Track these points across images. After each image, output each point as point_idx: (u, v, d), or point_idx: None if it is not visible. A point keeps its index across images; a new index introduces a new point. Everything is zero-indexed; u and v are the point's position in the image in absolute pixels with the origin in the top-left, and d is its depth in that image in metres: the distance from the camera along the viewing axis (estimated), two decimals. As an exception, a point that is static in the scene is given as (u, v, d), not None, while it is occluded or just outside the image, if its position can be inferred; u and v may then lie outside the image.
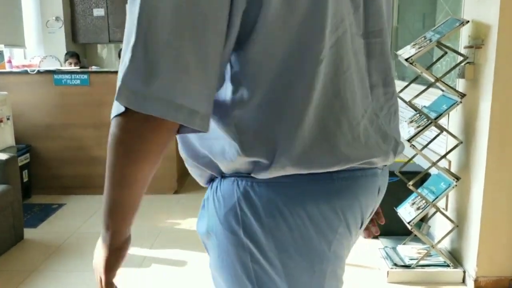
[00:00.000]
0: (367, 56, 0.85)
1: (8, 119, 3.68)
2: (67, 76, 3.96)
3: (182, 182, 4.39)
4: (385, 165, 0.92)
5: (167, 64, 0.65)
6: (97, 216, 3.58)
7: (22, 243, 3.07)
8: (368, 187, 0.86)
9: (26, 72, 3.97)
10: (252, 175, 0.77)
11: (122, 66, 0.68)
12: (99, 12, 5.81)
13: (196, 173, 0.91)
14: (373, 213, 0.96)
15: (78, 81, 3.96)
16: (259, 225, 0.78)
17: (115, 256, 0.81)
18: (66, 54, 5.33)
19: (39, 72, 3.98)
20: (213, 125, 0.76)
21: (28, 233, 3.19)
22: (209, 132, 0.72)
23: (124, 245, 0.82)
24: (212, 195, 0.84)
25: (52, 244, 3.06)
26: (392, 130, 0.91)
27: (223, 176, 0.83)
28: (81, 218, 3.51)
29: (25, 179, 3.89)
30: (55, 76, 3.95)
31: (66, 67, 4.93)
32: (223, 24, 0.67)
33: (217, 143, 0.78)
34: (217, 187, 0.83)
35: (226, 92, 0.75)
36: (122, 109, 0.68)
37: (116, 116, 0.69)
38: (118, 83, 0.68)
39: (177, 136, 0.83)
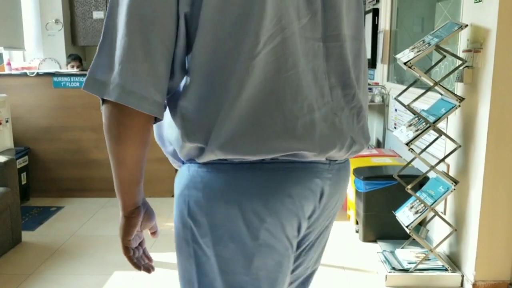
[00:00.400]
0: (325, 58, 0.92)
1: (7, 121, 3.68)
2: (66, 79, 3.96)
3: (181, 185, 4.39)
4: (335, 161, 0.96)
5: (121, 57, 0.80)
6: (96, 218, 3.57)
7: (20, 246, 3.06)
8: (300, 180, 0.89)
9: (25, 75, 3.97)
10: (196, 160, 0.88)
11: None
12: (98, 14, 5.82)
13: (174, 163, 1.02)
14: (333, 207, 1.01)
15: (77, 84, 3.96)
16: (198, 208, 0.88)
17: (126, 223, 0.96)
18: (69, 57, 5.32)
19: (38, 74, 3.98)
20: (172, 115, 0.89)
21: (26, 236, 3.19)
22: (172, 123, 0.86)
23: (133, 215, 0.95)
24: (175, 180, 0.96)
25: (50, 247, 3.05)
26: (353, 129, 0.97)
27: (183, 163, 0.94)
28: (79, 221, 3.51)
29: (24, 182, 3.89)
30: (54, 79, 3.95)
31: (68, 70, 4.94)
32: (168, 24, 0.80)
33: (175, 131, 0.88)
34: (178, 172, 0.96)
35: (180, 85, 0.87)
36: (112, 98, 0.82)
37: (102, 106, 0.85)
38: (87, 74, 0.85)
39: (154, 129, 0.95)
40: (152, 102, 0.82)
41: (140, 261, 1.01)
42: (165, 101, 0.87)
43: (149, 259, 1.04)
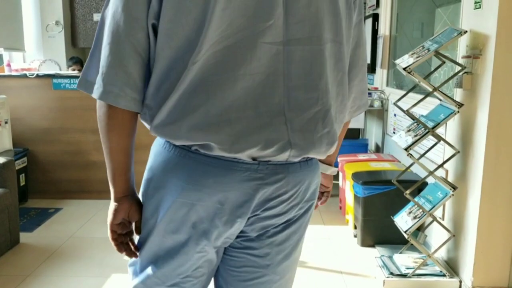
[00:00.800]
0: (287, 62, 0.97)
1: (6, 122, 3.68)
2: (66, 80, 3.96)
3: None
4: (267, 161, 1.00)
5: (103, 63, 0.97)
6: (94, 220, 3.57)
7: (17, 247, 3.06)
8: (216, 175, 0.99)
9: (25, 76, 3.97)
10: (172, 141, 1.02)
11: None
12: (99, 17, 5.82)
13: None
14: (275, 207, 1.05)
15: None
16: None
17: (114, 208, 1.10)
18: (70, 59, 5.32)
19: (38, 76, 3.98)
20: None
21: (24, 237, 3.18)
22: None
23: (120, 202, 1.09)
24: None
25: (48, 248, 3.05)
26: (307, 133, 1.00)
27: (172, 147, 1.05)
28: (77, 223, 3.50)
29: (22, 183, 3.89)
30: (54, 80, 3.96)
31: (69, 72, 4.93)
32: (140, 34, 0.96)
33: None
34: None
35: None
36: (96, 95, 1.00)
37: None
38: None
39: None
40: (130, 99, 0.98)
41: (122, 246, 1.11)
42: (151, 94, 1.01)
43: (136, 249, 1.13)
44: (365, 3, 5.10)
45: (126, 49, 0.96)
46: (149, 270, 1.09)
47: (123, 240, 1.11)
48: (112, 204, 1.09)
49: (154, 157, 1.09)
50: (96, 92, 0.99)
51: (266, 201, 1.03)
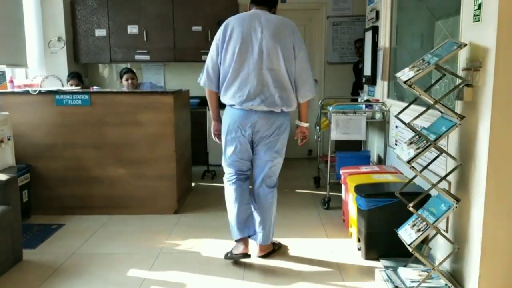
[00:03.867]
0: (266, 75, 2.88)
1: (9, 139, 3.69)
2: (68, 97, 3.98)
3: (182, 202, 4.38)
4: (262, 110, 2.90)
5: (204, 72, 3.01)
6: (97, 236, 3.56)
7: (20, 265, 3.05)
8: (241, 115, 2.94)
9: (27, 93, 3.99)
10: (225, 103, 3.01)
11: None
12: (101, 32, 5.88)
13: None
14: (261, 129, 2.94)
15: (79, 101, 3.98)
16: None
17: (213, 124, 3.15)
18: (69, 75, 5.38)
19: (40, 92, 4.00)
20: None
21: (27, 254, 3.18)
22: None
23: (214, 123, 3.13)
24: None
25: (51, 265, 3.04)
26: (268, 98, 2.87)
27: (227, 105, 3.05)
28: (80, 239, 3.50)
29: (25, 199, 3.89)
30: (57, 97, 3.98)
31: (68, 87, 4.96)
32: (216, 58, 2.95)
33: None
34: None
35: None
36: (200, 83, 3.05)
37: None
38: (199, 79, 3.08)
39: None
40: (209, 84, 2.99)
41: (218, 137, 3.13)
42: (219, 84, 2.98)
43: (220, 139, 3.12)
44: (364, 16, 5.14)
45: (210, 67, 2.96)
46: (224, 155, 3.08)
47: (218, 135, 3.11)
48: (213, 122, 3.12)
49: (224, 111, 3.02)
50: (201, 82, 3.01)
51: (256, 129, 2.93)
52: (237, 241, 3.06)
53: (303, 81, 2.92)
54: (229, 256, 3.05)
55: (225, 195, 3.13)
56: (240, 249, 3.02)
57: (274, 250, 3.19)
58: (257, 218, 3.08)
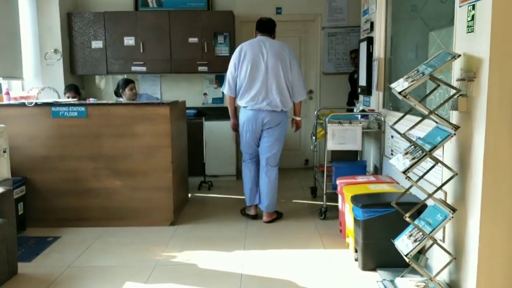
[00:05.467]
0: (271, 81, 3.99)
1: (4, 151, 3.66)
2: (65, 108, 3.98)
3: (179, 213, 4.37)
4: (267, 109, 4.02)
5: (226, 82, 4.15)
6: (92, 249, 3.54)
7: (16, 278, 3.02)
8: (253, 114, 4.05)
9: (23, 105, 3.99)
10: (241, 105, 4.14)
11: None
12: (97, 44, 5.89)
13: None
14: (267, 123, 4.07)
15: (76, 113, 3.98)
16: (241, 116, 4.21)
17: (231, 121, 4.32)
18: (65, 88, 5.39)
19: (36, 104, 4.00)
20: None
21: (22, 267, 3.15)
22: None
23: (232, 119, 4.29)
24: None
25: (46, 279, 3.01)
26: (272, 101, 4.00)
27: (242, 107, 4.17)
28: (76, 252, 3.48)
29: (20, 212, 3.87)
30: (53, 109, 3.98)
31: (65, 100, 4.96)
32: (234, 73, 4.08)
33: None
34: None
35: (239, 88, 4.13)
36: (223, 91, 4.27)
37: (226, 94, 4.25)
38: (222, 88, 4.32)
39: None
40: (230, 92, 4.11)
41: (236, 131, 4.33)
42: (236, 92, 4.12)
43: (237, 131, 4.28)
44: (359, 27, 5.18)
45: (230, 79, 4.08)
46: (242, 140, 4.20)
47: (235, 129, 4.31)
48: (231, 120, 4.28)
49: (240, 110, 4.14)
50: (224, 90, 4.18)
51: (264, 123, 4.05)
52: (248, 206, 4.27)
53: (297, 87, 4.08)
54: (243, 213, 4.35)
55: (242, 172, 4.33)
56: (251, 211, 4.27)
57: (277, 217, 4.23)
58: (263, 190, 4.15)
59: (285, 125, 4.15)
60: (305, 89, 4.20)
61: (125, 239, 3.75)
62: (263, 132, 4.08)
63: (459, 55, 2.44)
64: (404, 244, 2.54)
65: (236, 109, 4.22)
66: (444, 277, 2.73)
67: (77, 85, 5.71)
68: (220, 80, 6.36)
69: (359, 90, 5.11)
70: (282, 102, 3.99)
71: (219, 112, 6.19)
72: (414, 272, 2.67)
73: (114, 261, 3.31)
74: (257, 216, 4.19)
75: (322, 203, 4.28)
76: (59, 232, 3.92)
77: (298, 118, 4.27)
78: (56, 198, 4.05)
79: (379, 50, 4.40)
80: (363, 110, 4.51)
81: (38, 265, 3.25)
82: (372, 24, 4.56)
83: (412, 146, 2.58)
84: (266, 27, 4.13)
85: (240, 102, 4.08)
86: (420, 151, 2.48)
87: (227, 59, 5.72)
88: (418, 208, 2.66)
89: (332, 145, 4.13)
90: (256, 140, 4.13)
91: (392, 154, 3.94)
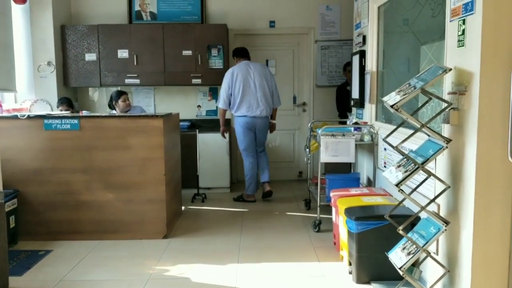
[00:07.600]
0: (260, 95, 5.26)
1: (-4, 164, 3.64)
2: (57, 121, 3.97)
3: (172, 226, 4.34)
4: (260, 116, 5.30)
5: (220, 98, 5.40)
6: (85, 262, 3.51)
7: (6, 293, 2.99)
8: (250, 119, 5.28)
9: (16, 117, 3.98)
10: (238, 115, 5.36)
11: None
12: (91, 57, 5.90)
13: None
14: (259, 125, 5.37)
15: (69, 126, 3.97)
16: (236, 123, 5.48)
17: (221, 128, 5.54)
18: (58, 101, 5.38)
19: (29, 116, 3.98)
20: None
21: (13, 281, 3.11)
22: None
23: (222, 127, 5.52)
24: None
25: (38, 293, 2.98)
26: (263, 109, 5.29)
27: (238, 116, 5.39)
28: (68, 265, 3.44)
29: (12, 225, 3.83)
30: (46, 121, 3.96)
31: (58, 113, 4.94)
32: (228, 91, 5.27)
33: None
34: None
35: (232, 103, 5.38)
36: (219, 106, 5.44)
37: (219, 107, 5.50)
38: (217, 103, 5.79)
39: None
40: (225, 106, 5.32)
41: (224, 134, 5.61)
42: (231, 105, 5.35)
43: (224, 135, 5.63)
44: (352, 40, 5.23)
45: (224, 96, 5.26)
46: (243, 142, 5.36)
47: (224, 132, 5.56)
48: (221, 127, 5.50)
49: (235, 120, 5.38)
50: (220, 105, 5.35)
51: (257, 126, 5.34)
52: (249, 195, 5.40)
53: (275, 98, 5.41)
54: (236, 200, 5.45)
55: (244, 165, 5.44)
56: (252, 198, 5.41)
57: (271, 191, 5.46)
58: (264, 167, 5.45)
59: (268, 125, 5.51)
60: (280, 99, 5.57)
61: (118, 253, 3.72)
62: (256, 131, 5.37)
63: (450, 69, 2.47)
64: (397, 257, 2.54)
65: (224, 120, 5.53)
66: (438, 289, 2.73)
67: (70, 97, 5.71)
68: (213, 93, 6.39)
69: (352, 102, 5.14)
70: (267, 110, 5.34)
71: (212, 124, 6.20)
72: (408, 285, 2.67)
73: (107, 275, 3.28)
74: (255, 201, 5.40)
75: (316, 215, 4.28)
76: (51, 245, 3.88)
77: (274, 121, 5.60)
78: (48, 211, 4.01)
79: (371, 64, 4.44)
80: (356, 123, 4.53)
81: (29, 279, 3.21)
82: (364, 37, 4.61)
83: (405, 159, 2.60)
84: (245, 53, 5.46)
85: (238, 113, 5.30)
86: (412, 164, 2.50)
87: (220, 72, 5.77)
88: (411, 221, 2.67)
89: (325, 157, 4.15)
90: (252, 138, 5.40)
91: (385, 167, 3.95)
